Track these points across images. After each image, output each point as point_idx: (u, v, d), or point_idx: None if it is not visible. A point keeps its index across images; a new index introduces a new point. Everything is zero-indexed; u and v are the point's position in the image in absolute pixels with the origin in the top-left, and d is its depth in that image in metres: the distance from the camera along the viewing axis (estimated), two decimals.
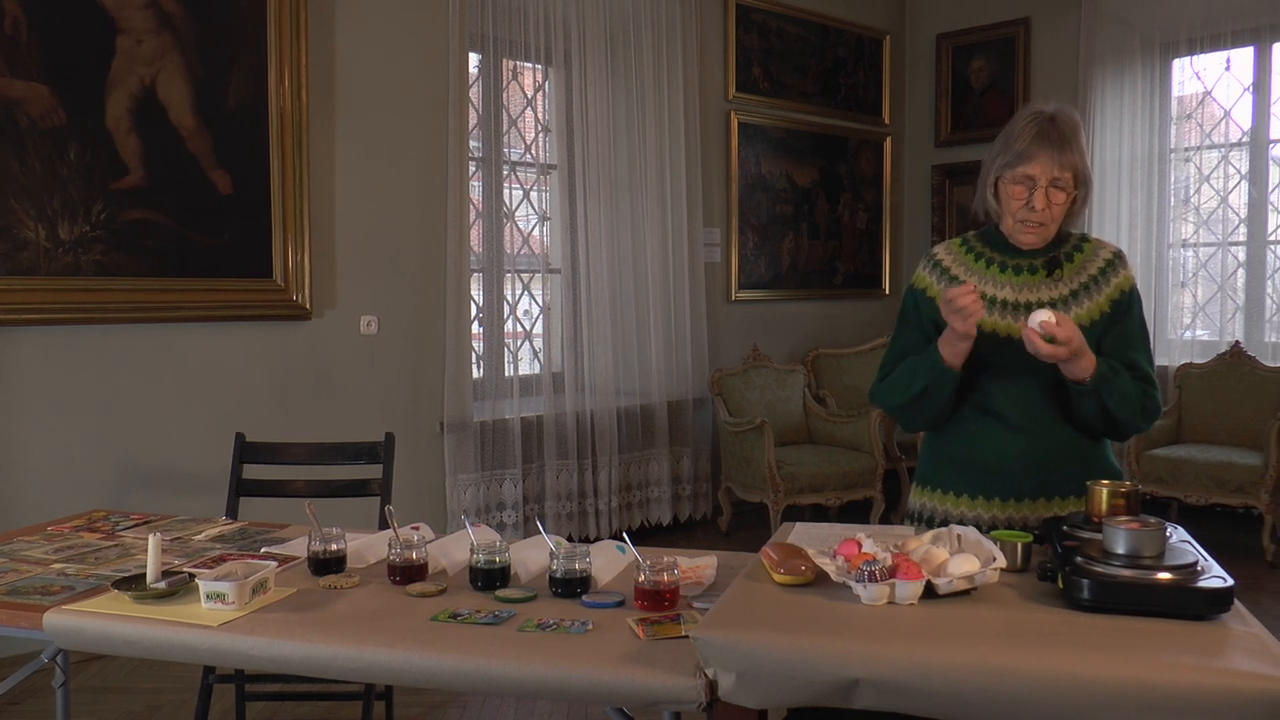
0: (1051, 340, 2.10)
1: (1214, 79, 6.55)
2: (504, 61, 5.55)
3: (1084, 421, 2.26)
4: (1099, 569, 1.76)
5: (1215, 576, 1.75)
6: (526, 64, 5.64)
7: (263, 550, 2.46)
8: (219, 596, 1.99)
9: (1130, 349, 2.28)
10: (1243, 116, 6.48)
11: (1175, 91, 6.70)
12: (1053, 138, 2.23)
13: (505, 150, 5.59)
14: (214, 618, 1.95)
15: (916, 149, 7.80)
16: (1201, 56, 6.52)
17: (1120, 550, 1.79)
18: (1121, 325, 2.29)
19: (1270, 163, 6.40)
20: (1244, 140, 6.47)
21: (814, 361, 6.88)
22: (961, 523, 2.30)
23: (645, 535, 5.89)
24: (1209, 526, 5.86)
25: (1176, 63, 6.64)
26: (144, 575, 2.11)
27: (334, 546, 2.26)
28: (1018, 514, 2.30)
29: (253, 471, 3.31)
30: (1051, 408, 2.28)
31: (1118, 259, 2.34)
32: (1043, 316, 2.11)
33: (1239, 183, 6.49)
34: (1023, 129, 2.27)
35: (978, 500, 2.34)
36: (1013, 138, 2.28)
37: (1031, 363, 2.21)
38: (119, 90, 4.21)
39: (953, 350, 2.24)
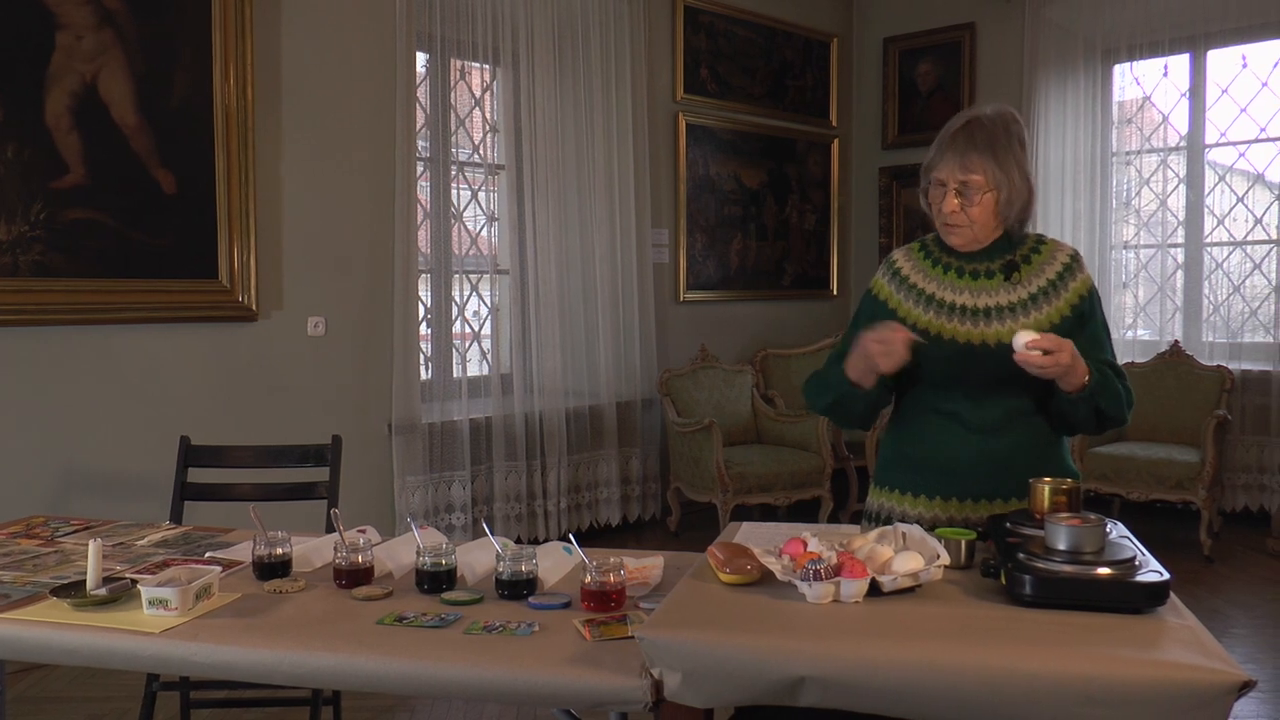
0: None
1: (1153, 85, 6.68)
2: (452, 61, 5.53)
3: (1071, 422, 2.29)
4: (1041, 565, 1.79)
5: (1152, 571, 1.78)
6: (474, 64, 5.62)
7: (207, 555, 2.43)
8: (162, 602, 1.96)
9: (1099, 349, 2.30)
10: (1180, 122, 6.61)
11: (1116, 96, 6.83)
12: (959, 143, 2.25)
13: (453, 150, 5.57)
14: (156, 624, 1.92)
15: (864, 151, 7.87)
16: (1141, 63, 6.65)
17: (1061, 546, 1.82)
18: (1088, 328, 2.31)
19: (1206, 167, 6.54)
20: (1181, 145, 6.60)
21: (762, 362, 6.92)
22: (920, 523, 2.31)
23: (595, 536, 5.89)
24: (1150, 522, 5.97)
25: (1117, 68, 6.77)
26: (84, 582, 2.07)
27: (279, 550, 2.24)
28: (975, 514, 2.32)
29: (197, 475, 3.27)
30: (1008, 409, 2.30)
31: (1075, 261, 2.35)
32: (1027, 338, 2.11)
33: (1177, 186, 6.62)
34: (941, 135, 2.31)
35: (935, 500, 2.35)
36: (935, 143, 2.33)
37: (989, 366, 2.24)
38: (58, 87, 4.14)
39: (862, 375, 2.27)
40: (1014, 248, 2.35)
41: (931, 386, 2.35)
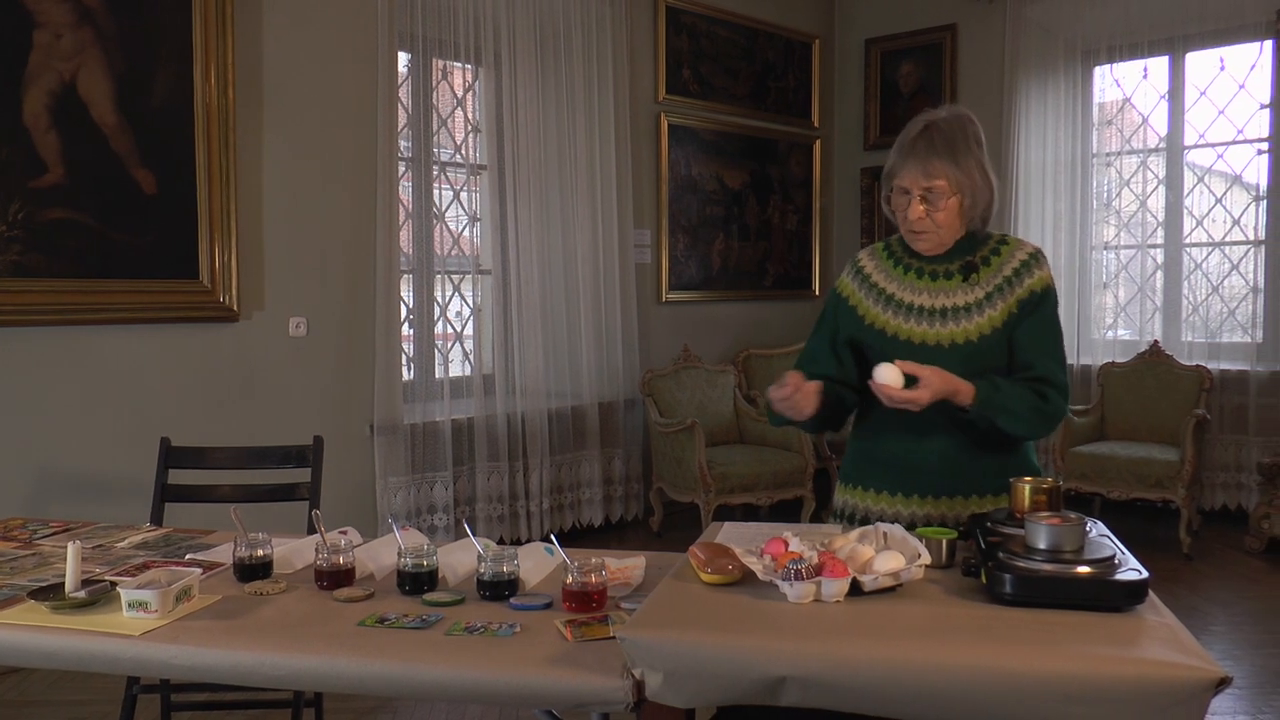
0: (912, 382, 2.14)
1: (1133, 86, 6.72)
2: (434, 61, 5.52)
3: (977, 435, 2.29)
4: (1021, 564, 1.80)
5: (1131, 570, 1.80)
6: (456, 64, 5.61)
7: (187, 557, 2.42)
8: (141, 605, 1.95)
9: (1032, 350, 2.29)
10: (1160, 123, 6.65)
11: (1096, 98, 6.87)
12: (920, 149, 2.25)
13: (435, 150, 5.56)
14: (136, 627, 1.91)
15: (846, 152, 7.89)
16: (1121, 65, 6.69)
17: (1042, 545, 1.84)
18: (1027, 325, 2.30)
19: (1185, 168, 6.59)
20: (1161, 146, 6.65)
21: (744, 362, 6.93)
22: (883, 519, 2.33)
23: (577, 537, 5.89)
24: (1130, 521, 6.00)
25: (1097, 70, 6.80)
26: (63, 584, 2.06)
27: (260, 552, 2.23)
28: (936, 511, 2.34)
29: (178, 477, 3.25)
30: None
31: (1034, 259, 2.34)
32: (888, 374, 2.14)
33: (1157, 187, 6.67)
34: (899, 141, 2.31)
35: (897, 497, 2.37)
36: (894, 149, 2.33)
37: (945, 365, 2.25)
38: (37, 86, 4.11)
39: (791, 414, 2.29)
40: (976, 248, 2.35)
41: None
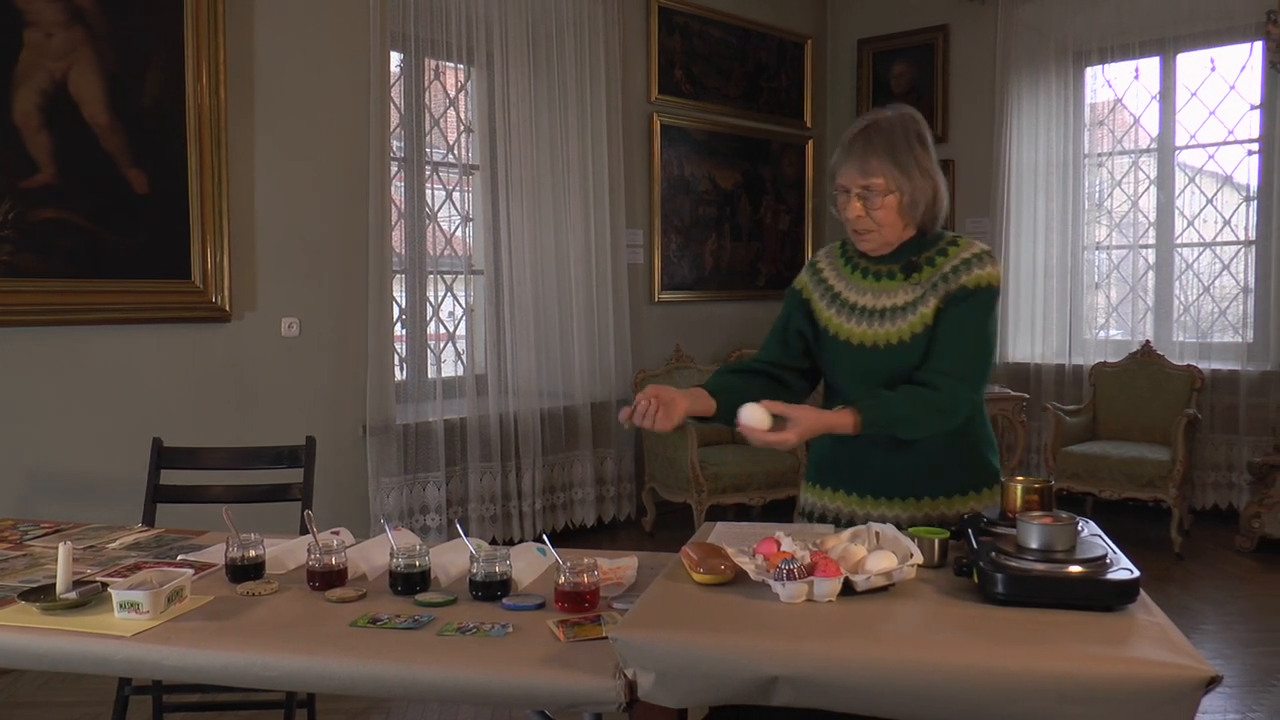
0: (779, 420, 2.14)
1: (1124, 87, 6.73)
2: (426, 61, 5.51)
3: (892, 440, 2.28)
4: (1013, 563, 1.80)
5: (1123, 569, 1.80)
6: (449, 64, 5.61)
7: (179, 558, 2.42)
8: (133, 606, 1.95)
9: (939, 344, 2.26)
10: (1151, 124, 6.67)
11: (1088, 99, 6.89)
12: (858, 147, 2.26)
13: (427, 150, 5.55)
14: (128, 628, 1.91)
15: None
16: (1112, 65, 6.71)
17: (1034, 545, 1.84)
18: (943, 319, 2.26)
19: (1176, 169, 6.60)
20: (1152, 147, 6.66)
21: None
22: (839, 517, 2.37)
23: (569, 537, 5.89)
24: (1122, 520, 6.02)
25: (1089, 71, 6.82)
26: (54, 585, 2.05)
27: (252, 553, 2.23)
28: (892, 512, 2.33)
29: (170, 477, 3.24)
30: None
31: (976, 259, 2.29)
32: (753, 415, 2.14)
33: (1148, 187, 6.68)
34: (841, 141, 2.32)
35: (852, 497, 2.39)
36: (836, 150, 2.34)
37: (884, 366, 2.27)
38: (27, 85, 4.10)
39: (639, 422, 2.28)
40: (924, 248, 2.33)
41: (841, 386, 2.39)
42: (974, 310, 2.26)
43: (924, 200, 2.28)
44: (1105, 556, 1.83)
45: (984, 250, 2.32)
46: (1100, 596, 1.75)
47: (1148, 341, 6.36)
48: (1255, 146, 6.24)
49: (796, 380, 2.49)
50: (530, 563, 2.24)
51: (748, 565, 1.90)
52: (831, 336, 2.37)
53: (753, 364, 2.51)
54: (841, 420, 2.19)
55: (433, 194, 5.59)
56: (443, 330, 5.70)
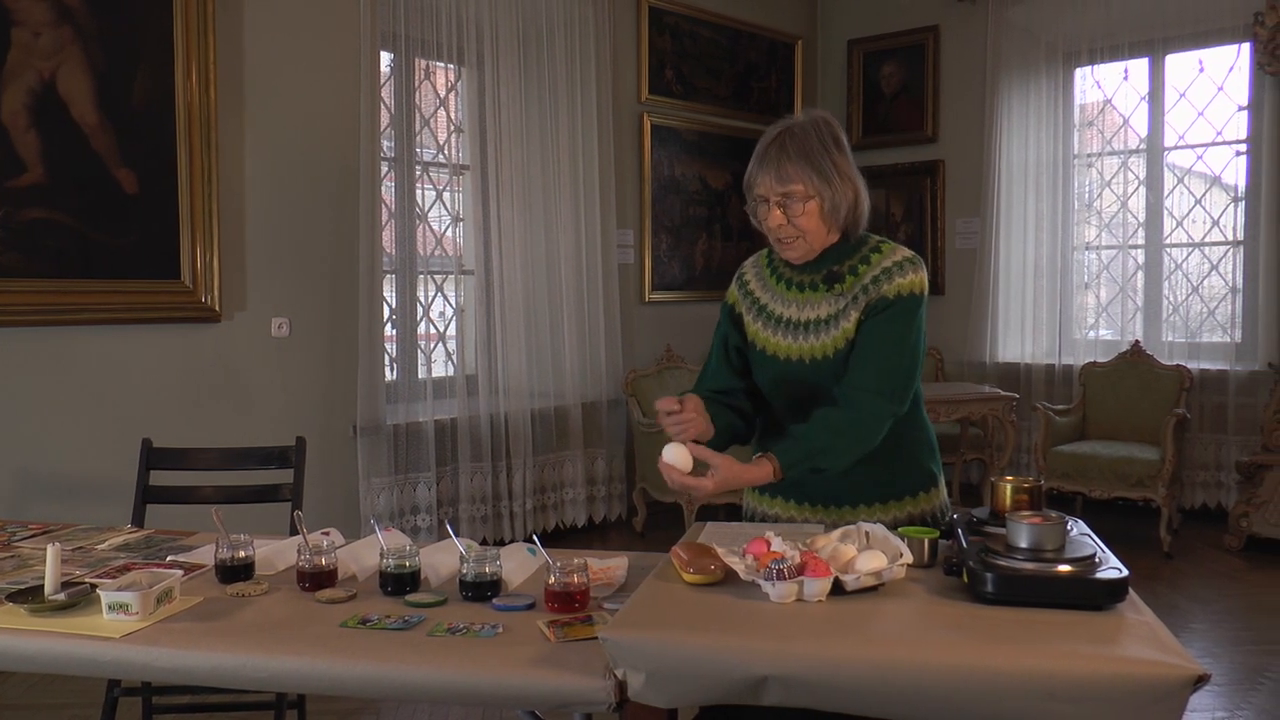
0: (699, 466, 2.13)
1: (1113, 88, 6.76)
2: (416, 61, 5.50)
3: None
4: (1002, 563, 1.81)
5: (1112, 568, 1.80)
6: (439, 63, 5.60)
7: (169, 559, 2.41)
8: (122, 607, 1.94)
9: (858, 358, 2.22)
10: (1140, 124, 6.69)
11: (1078, 99, 6.91)
12: (772, 155, 2.21)
13: (418, 150, 5.55)
14: (116, 629, 1.90)
15: None
16: (1101, 66, 6.73)
17: (1023, 544, 1.84)
18: (862, 332, 2.22)
19: (1165, 169, 6.63)
20: (1141, 147, 6.69)
21: None
22: (777, 523, 2.34)
23: (560, 537, 5.89)
24: (1111, 519, 6.03)
25: (1078, 72, 6.84)
26: (42, 587, 2.04)
27: (242, 553, 2.22)
28: (829, 518, 2.32)
29: (160, 478, 3.23)
30: None
31: (897, 267, 2.23)
32: (675, 454, 2.12)
33: (1137, 188, 6.70)
34: (756, 150, 2.27)
35: (790, 503, 2.38)
36: (751, 160, 2.28)
37: (805, 380, 2.26)
38: (15, 84, 4.09)
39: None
40: (846, 256, 2.28)
41: (770, 399, 2.38)
42: (894, 321, 2.21)
43: (845, 204, 2.22)
44: (1094, 556, 1.84)
45: (906, 257, 2.26)
46: (1089, 596, 1.76)
47: (1137, 341, 6.38)
48: (1243, 147, 6.27)
49: (748, 403, 2.42)
50: (520, 563, 2.24)
51: (738, 565, 1.90)
52: (759, 351, 2.35)
53: (709, 395, 2.38)
54: (760, 473, 2.16)
55: (423, 194, 5.59)
56: (433, 330, 5.69)
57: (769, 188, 2.22)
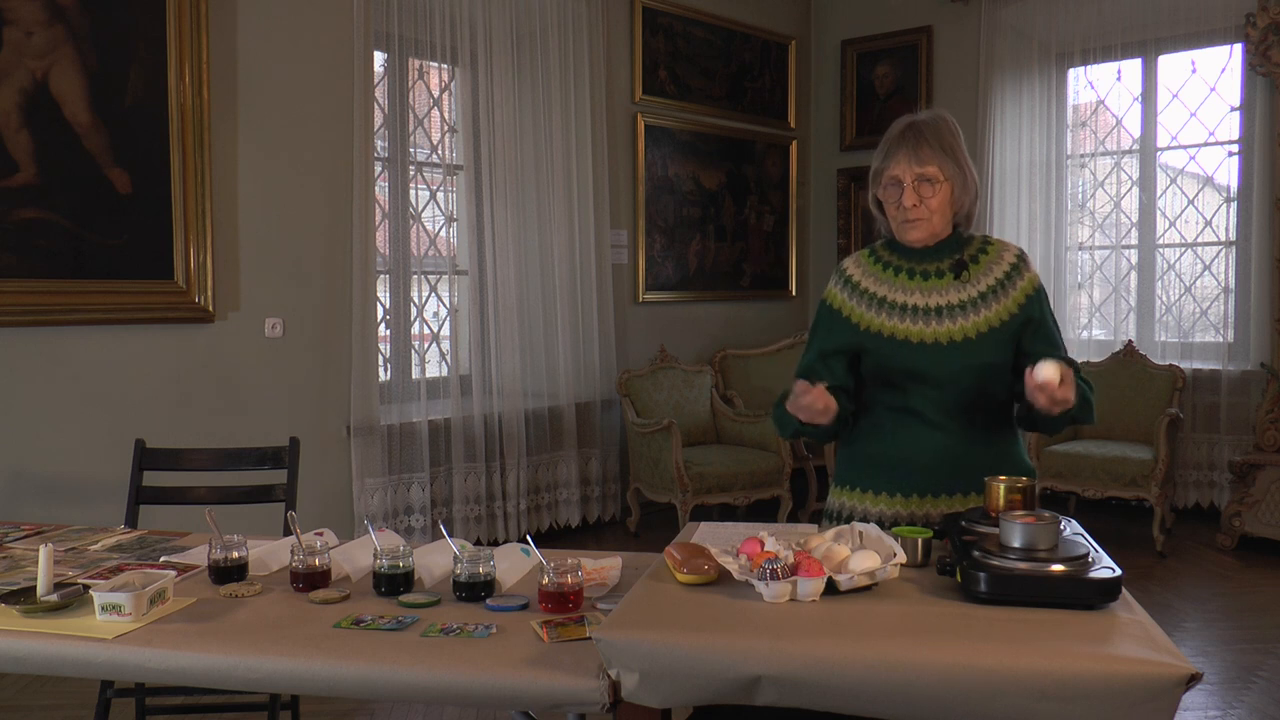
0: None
1: (1106, 89, 6.77)
2: (410, 61, 5.50)
3: (1040, 427, 2.35)
4: (995, 562, 1.81)
5: (1105, 568, 1.81)
6: (433, 63, 5.60)
7: (162, 560, 2.41)
8: (115, 608, 1.94)
9: (1053, 345, 2.36)
10: (1133, 125, 6.70)
11: (1071, 100, 6.91)
12: (909, 139, 2.32)
13: (411, 150, 5.54)
14: (109, 630, 1.90)
15: (822, 153, 7.92)
16: (1094, 67, 6.74)
17: (1016, 544, 1.85)
18: (1037, 323, 2.37)
19: (1158, 170, 6.64)
20: (1134, 148, 6.70)
21: (721, 362, 6.94)
22: (880, 521, 2.34)
23: (554, 537, 5.89)
24: (1105, 519, 6.05)
25: (1071, 72, 6.85)
26: (34, 588, 2.04)
27: (235, 554, 2.22)
28: (935, 510, 2.35)
29: (153, 479, 3.23)
30: (963, 406, 2.34)
31: (1021, 260, 2.42)
32: (1050, 371, 2.09)
33: (1130, 188, 6.72)
34: (885, 141, 2.38)
35: (895, 498, 2.38)
36: (879, 150, 2.39)
37: (943, 363, 2.29)
38: (7, 84, 4.08)
39: (812, 419, 2.27)
40: (962, 247, 2.41)
41: (889, 386, 2.39)
42: (1050, 312, 2.44)
43: (970, 195, 2.38)
44: (1087, 555, 1.84)
45: (1022, 251, 2.46)
46: (1082, 595, 1.76)
47: (1130, 341, 6.39)
48: (1235, 148, 6.28)
49: (846, 404, 2.43)
50: (514, 563, 2.24)
51: (731, 565, 1.91)
52: (888, 339, 2.36)
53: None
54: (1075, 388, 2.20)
55: (417, 194, 5.58)
56: (427, 330, 5.69)
57: (905, 169, 2.32)
